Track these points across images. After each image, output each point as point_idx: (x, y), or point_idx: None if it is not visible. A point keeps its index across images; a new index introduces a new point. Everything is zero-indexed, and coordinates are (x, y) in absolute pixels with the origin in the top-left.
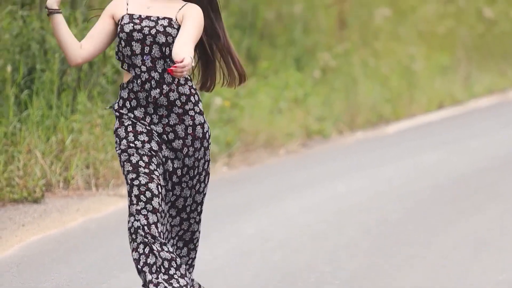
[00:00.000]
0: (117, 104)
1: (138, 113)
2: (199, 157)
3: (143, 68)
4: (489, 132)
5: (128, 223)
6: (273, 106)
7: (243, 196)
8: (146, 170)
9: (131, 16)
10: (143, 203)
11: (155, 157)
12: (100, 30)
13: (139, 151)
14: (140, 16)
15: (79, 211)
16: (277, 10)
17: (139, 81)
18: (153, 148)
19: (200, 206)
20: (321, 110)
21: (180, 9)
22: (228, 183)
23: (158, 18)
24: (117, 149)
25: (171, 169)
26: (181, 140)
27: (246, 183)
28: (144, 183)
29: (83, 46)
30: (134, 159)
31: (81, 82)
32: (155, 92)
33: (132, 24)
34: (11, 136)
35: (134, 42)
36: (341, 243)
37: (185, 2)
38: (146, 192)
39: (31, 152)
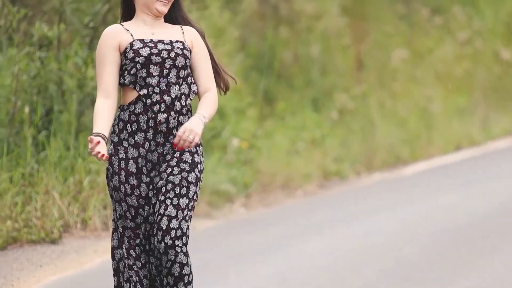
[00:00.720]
0: (116, 126)
1: (139, 138)
2: (187, 178)
3: (157, 90)
4: (507, 173)
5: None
6: (291, 147)
7: (260, 237)
8: (132, 224)
9: (142, 40)
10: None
11: (143, 208)
12: (114, 72)
13: (127, 199)
14: (152, 40)
15: (96, 252)
16: (294, 52)
17: (148, 101)
18: (142, 193)
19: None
20: (338, 151)
21: (183, 32)
22: (246, 224)
23: (171, 41)
24: (109, 179)
25: (156, 187)
26: (166, 163)
27: (264, 224)
28: (128, 235)
29: (111, 96)
30: (124, 206)
31: None
32: (161, 116)
33: (148, 48)
34: (29, 177)
35: (152, 65)
36: (358, 284)
37: (179, 26)
38: (127, 242)
39: (49, 193)
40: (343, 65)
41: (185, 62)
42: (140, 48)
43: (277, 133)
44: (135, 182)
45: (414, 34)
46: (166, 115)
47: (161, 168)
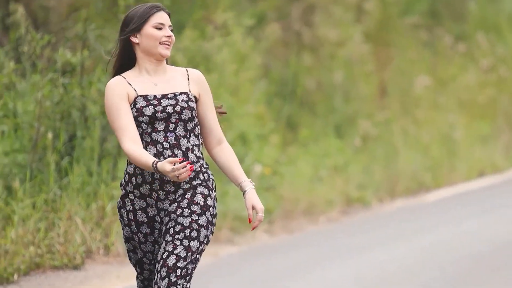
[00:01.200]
0: (123, 179)
1: (144, 190)
2: (198, 221)
3: (166, 145)
4: None
5: None
6: (313, 173)
7: (283, 263)
8: (151, 267)
9: (145, 97)
10: None
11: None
12: (133, 119)
13: (142, 246)
14: (155, 96)
15: (119, 277)
16: (317, 78)
17: (162, 159)
18: (157, 238)
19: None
20: (361, 178)
21: (188, 79)
22: (269, 250)
23: (175, 94)
24: (122, 227)
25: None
26: (176, 203)
27: (286, 250)
28: (147, 277)
29: (139, 143)
30: (139, 253)
31: (122, 149)
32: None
33: (152, 106)
34: (52, 203)
35: (157, 121)
36: None
37: (183, 69)
38: (148, 285)
39: (72, 219)
40: (366, 91)
41: (192, 114)
42: (144, 107)
43: (300, 160)
44: (148, 230)
45: (437, 61)
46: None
47: (170, 208)
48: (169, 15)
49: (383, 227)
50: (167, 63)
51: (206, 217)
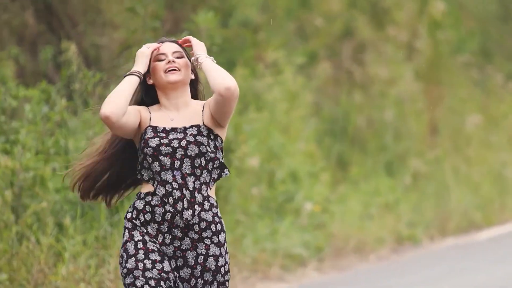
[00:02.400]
0: (130, 213)
1: (151, 229)
2: None
3: (175, 185)
4: None
5: None
6: (364, 211)
7: None
8: None
9: (154, 128)
10: None
11: (165, 281)
12: (133, 112)
13: (146, 273)
14: (164, 128)
15: None
16: (368, 116)
17: (171, 199)
18: (165, 268)
19: None
20: (411, 216)
21: (202, 111)
22: (318, 287)
23: (185, 128)
24: (122, 266)
25: None
26: (189, 269)
27: None
28: None
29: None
30: (138, 283)
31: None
32: (187, 214)
33: (158, 138)
34: (102, 239)
35: (162, 156)
36: None
37: (202, 102)
38: None
39: None
40: (417, 130)
41: (200, 149)
42: (150, 138)
43: (350, 198)
44: (158, 258)
45: (488, 99)
46: (191, 211)
47: (182, 273)
48: (175, 42)
49: (433, 266)
50: (197, 98)
51: (217, 281)
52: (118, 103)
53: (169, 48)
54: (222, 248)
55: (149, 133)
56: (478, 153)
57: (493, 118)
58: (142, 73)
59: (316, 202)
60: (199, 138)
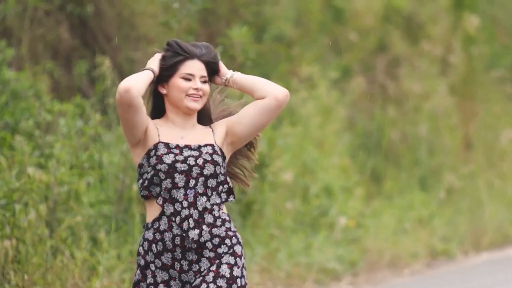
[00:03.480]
0: (142, 247)
1: (166, 259)
2: None
3: (185, 204)
4: None
5: None
6: (398, 226)
7: None
8: None
9: (166, 145)
10: None
11: None
12: (144, 111)
13: None
14: (178, 145)
15: None
16: (402, 131)
17: (177, 218)
18: None
19: None
20: (445, 230)
21: (212, 131)
22: None
23: (199, 146)
24: None
25: None
26: (201, 277)
27: None
28: None
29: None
30: None
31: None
32: (193, 233)
33: (173, 155)
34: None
35: (177, 174)
36: None
37: (209, 126)
38: None
39: None
40: (451, 144)
41: (215, 170)
42: (164, 154)
43: (384, 212)
44: None
45: None
46: (198, 231)
47: (195, 282)
48: (205, 62)
49: (468, 280)
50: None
51: None
52: (138, 81)
53: (198, 70)
54: (238, 258)
55: (162, 149)
56: None
57: None
58: (157, 73)
59: (350, 217)
60: (215, 157)
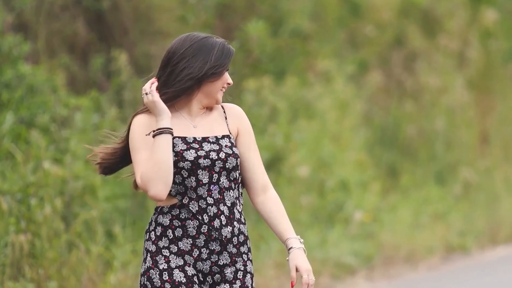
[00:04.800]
0: (153, 233)
1: (184, 245)
2: None
3: (210, 200)
4: None
5: None
6: (414, 220)
7: None
8: None
9: (183, 139)
10: None
11: None
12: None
13: None
14: (195, 138)
15: None
16: (418, 125)
17: (205, 216)
18: None
19: None
20: (462, 225)
21: (225, 118)
22: None
23: (217, 138)
24: None
25: None
26: (227, 285)
27: None
28: None
29: None
30: None
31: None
32: (226, 231)
33: (194, 150)
34: None
35: (200, 170)
36: None
37: (221, 106)
38: None
39: None
40: (468, 139)
41: (236, 162)
42: (184, 150)
43: (400, 207)
44: None
45: None
46: (231, 228)
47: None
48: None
49: (484, 275)
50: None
51: None
52: (166, 179)
53: (229, 75)
54: (252, 267)
55: (181, 145)
56: None
57: None
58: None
59: (366, 211)
60: (234, 149)
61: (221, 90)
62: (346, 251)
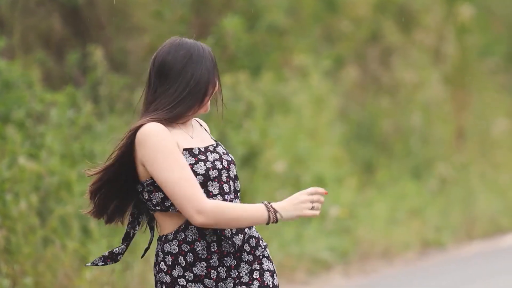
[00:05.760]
0: (163, 263)
1: (199, 270)
2: None
3: None
4: None
5: None
6: (390, 216)
7: None
8: None
9: (190, 151)
10: None
11: None
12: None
13: None
14: (199, 150)
15: None
16: (394, 121)
17: (218, 230)
18: None
19: None
20: (438, 220)
21: (201, 125)
22: None
23: (214, 146)
24: None
25: None
26: (244, 286)
27: None
28: None
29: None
30: None
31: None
32: (237, 239)
33: (203, 163)
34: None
35: (210, 181)
36: None
37: (195, 119)
38: None
39: (147, 260)
40: (444, 134)
41: (236, 170)
42: (194, 164)
43: (376, 202)
44: None
45: None
46: (242, 235)
47: None
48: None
49: (459, 270)
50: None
51: None
52: (225, 221)
53: None
54: (273, 264)
55: (189, 159)
56: (505, 158)
57: None
58: (283, 218)
59: (342, 207)
60: (231, 156)
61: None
62: (322, 246)
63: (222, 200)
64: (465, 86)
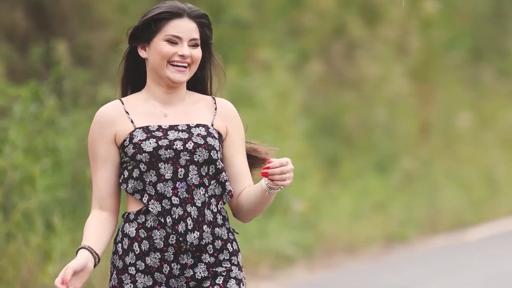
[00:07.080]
0: (120, 245)
1: (152, 261)
2: None
3: (175, 201)
4: None
5: None
6: (354, 210)
7: None
8: None
9: (146, 129)
10: None
11: None
12: (110, 174)
13: None
14: (160, 126)
15: None
16: (358, 115)
17: (169, 219)
18: None
19: None
20: (402, 214)
21: (215, 110)
22: (308, 286)
23: (189, 126)
24: None
25: None
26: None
27: (326, 287)
28: None
29: (108, 207)
30: None
31: None
32: (192, 237)
33: (154, 139)
34: None
35: (162, 163)
36: None
37: (209, 97)
38: None
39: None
40: (408, 129)
41: (210, 155)
42: (143, 140)
43: (340, 196)
44: None
45: (480, 98)
46: (198, 233)
47: None
48: (200, 23)
49: (423, 264)
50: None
51: None
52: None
53: (188, 31)
54: (243, 272)
55: (140, 135)
56: (469, 152)
57: (484, 117)
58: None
59: (306, 201)
60: (209, 140)
61: (171, 65)
62: (285, 241)
63: (173, 187)
64: (430, 81)
